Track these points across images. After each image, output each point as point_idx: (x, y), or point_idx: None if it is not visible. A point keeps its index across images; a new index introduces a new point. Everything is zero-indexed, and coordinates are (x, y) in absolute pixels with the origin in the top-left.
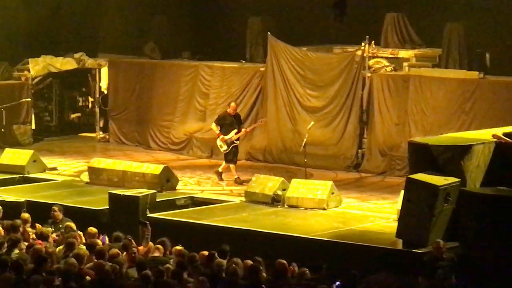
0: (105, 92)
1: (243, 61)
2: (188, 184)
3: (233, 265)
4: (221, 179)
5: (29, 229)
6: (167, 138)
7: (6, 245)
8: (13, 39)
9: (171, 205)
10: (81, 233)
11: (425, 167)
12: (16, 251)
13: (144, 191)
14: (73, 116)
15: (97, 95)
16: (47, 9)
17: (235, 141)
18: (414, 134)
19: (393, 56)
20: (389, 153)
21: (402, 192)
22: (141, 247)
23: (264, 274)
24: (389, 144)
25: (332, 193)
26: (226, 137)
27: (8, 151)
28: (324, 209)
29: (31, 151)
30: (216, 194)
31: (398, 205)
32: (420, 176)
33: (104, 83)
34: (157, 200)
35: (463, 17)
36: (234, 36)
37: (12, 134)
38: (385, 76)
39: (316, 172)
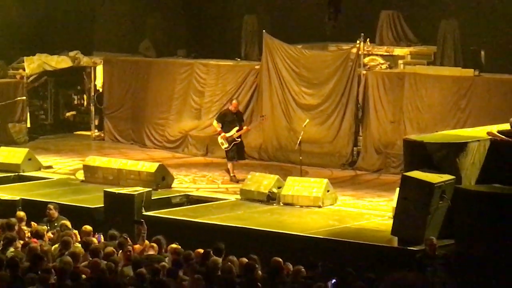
0: (100, 90)
1: (238, 59)
2: (184, 182)
3: (229, 263)
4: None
5: (25, 228)
6: (162, 136)
7: (1, 243)
8: (8, 37)
9: (166, 203)
10: (76, 231)
11: (420, 165)
12: (12, 249)
13: (140, 189)
14: (68, 114)
15: (92, 93)
16: (42, 7)
17: (236, 139)
18: (409, 131)
19: (388, 53)
20: (384, 151)
21: (398, 189)
22: (137, 246)
23: (260, 272)
24: (384, 142)
25: (328, 191)
26: (227, 134)
27: (3, 149)
28: (319, 206)
29: (26, 150)
30: (211, 192)
31: (394, 203)
32: (415, 174)
33: (99, 81)
34: (152, 198)
35: (458, 14)
36: (229, 34)
37: (7, 133)
38: (380, 74)
39: (311, 169)
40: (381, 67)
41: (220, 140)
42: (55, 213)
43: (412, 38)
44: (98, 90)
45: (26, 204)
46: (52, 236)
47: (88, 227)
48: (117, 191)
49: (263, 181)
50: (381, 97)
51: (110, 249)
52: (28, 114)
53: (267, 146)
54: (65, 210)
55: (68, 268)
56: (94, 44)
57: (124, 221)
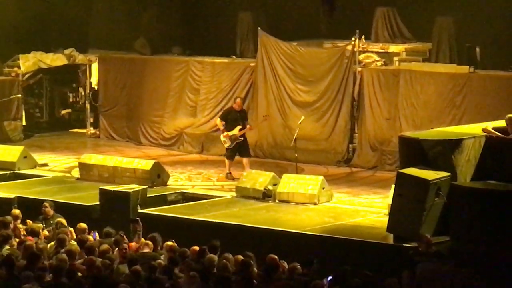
0: (96, 88)
1: (234, 56)
2: (179, 180)
3: (224, 260)
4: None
5: (20, 225)
6: (157, 134)
7: None
8: (3, 35)
9: (162, 200)
10: (72, 229)
11: (416, 162)
12: (7, 247)
13: (135, 187)
14: (63, 112)
15: (88, 91)
16: (38, 5)
17: (239, 138)
18: (404, 128)
19: (383, 50)
20: (380, 148)
21: (393, 186)
22: (133, 243)
23: (255, 269)
24: (380, 139)
25: (323, 188)
26: (230, 133)
27: None
28: (315, 204)
29: (22, 147)
30: (207, 190)
31: (389, 200)
32: (411, 171)
33: (94, 79)
34: (148, 195)
35: (453, 11)
36: (224, 31)
37: (3, 130)
38: (376, 71)
39: (307, 167)
40: (376, 64)
41: (222, 138)
42: (50, 211)
43: (407, 35)
44: (94, 88)
45: (22, 202)
46: (47, 234)
47: (82, 225)
48: (112, 189)
49: (258, 178)
50: (377, 94)
51: (105, 246)
52: (24, 112)
53: (262, 143)
54: (60, 208)
55: (64, 266)
56: (89, 41)
57: (119, 219)
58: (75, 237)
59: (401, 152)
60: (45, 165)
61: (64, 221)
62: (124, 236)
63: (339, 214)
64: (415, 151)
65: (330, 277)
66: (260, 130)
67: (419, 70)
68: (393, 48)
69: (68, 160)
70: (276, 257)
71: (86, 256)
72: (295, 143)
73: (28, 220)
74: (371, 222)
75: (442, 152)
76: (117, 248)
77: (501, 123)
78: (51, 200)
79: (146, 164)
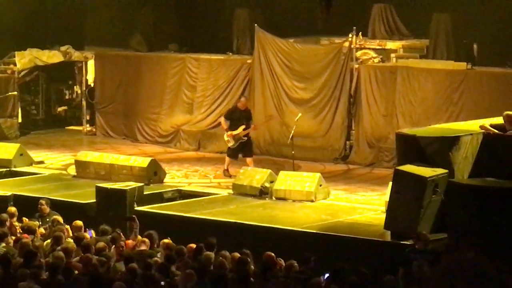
0: (92, 85)
1: (230, 53)
2: (176, 177)
3: (221, 258)
4: (229, 175)
5: (16, 223)
6: (154, 131)
7: None
8: None
9: (158, 198)
10: (68, 226)
11: (413, 159)
12: (3, 245)
13: (132, 184)
14: (59, 109)
15: (84, 88)
16: (34, 2)
17: (242, 137)
18: (402, 125)
19: (380, 47)
20: (377, 145)
21: (390, 183)
22: (129, 241)
23: (252, 267)
24: (377, 136)
25: (320, 185)
26: (234, 132)
27: None
28: (312, 201)
29: (18, 145)
30: (203, 187)
31: (386, 197)
32: (408, 168)
33: (90, 76)
34: (144, 193)
35: (450, 7)
36: (221, 28)
37: None
38: (373, 68)
39: (304, 164)
40: (373, 60)
41: (226, 138)
42: (46, 209)
43: (405, 31)
44: (90, 85)
45: (18, 200)
46: (44, 231)
47: (78, 222)
48: (109, 186)
49: (255, 176)
50: (374, 91)
51: (101, 244)
52: (20, 109)
53: (259, 140)
54: (57, 205)
55: (60, 264)
56: (85, 38)
57: (116, 216)
58: (71, 234)
59: (398, 149)
60: (41, 162)
61: (60, 219)
62: (121, 234)
63: (336, 211)
64: (412, 148)
65: (327, 275)
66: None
67: (416, 66)
68: (390, 44)
69: (64, 158)
70: (273, 254)
71: (82, 254)
72: (292, 140)
73: (24, 218)
74: (368, 219)
75: (440, 149)
76: (114, 246)
77: (499, 120)
78: (47, 198)
79: (142, 162)
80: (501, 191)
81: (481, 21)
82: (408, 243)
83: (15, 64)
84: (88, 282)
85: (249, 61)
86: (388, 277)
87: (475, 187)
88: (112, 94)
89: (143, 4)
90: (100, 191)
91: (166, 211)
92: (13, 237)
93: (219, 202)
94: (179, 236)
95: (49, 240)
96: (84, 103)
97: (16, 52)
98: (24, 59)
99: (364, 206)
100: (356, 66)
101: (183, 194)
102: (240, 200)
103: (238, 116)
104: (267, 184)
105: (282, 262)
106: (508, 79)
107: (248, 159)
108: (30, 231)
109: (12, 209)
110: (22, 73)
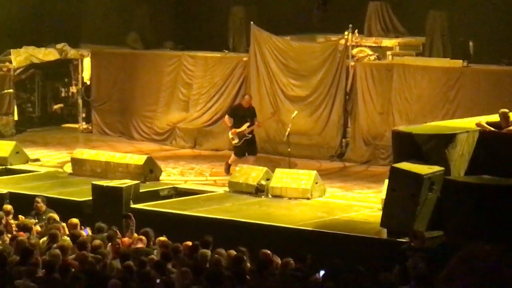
0: (88, 83)
1: (226, 51)
2: (172, 175)
3: (217, 255)
4: (228, 172)
5: (12, 221)
6: (150, 129)
7: None
8: None
9: (154, 195)
10: (64, 224)
11: (409, 156)
12: None
13: (128, 182)
14: (55, 107)
15: (80, 86)
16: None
17: (246, 135)
18: (398, 123)
19: (376, 45)
20: (373, 142)
21: (387, 181)
22: (126, 239)
23: (248, 264)
24: (373, 133)
25: (316, 183)
26: (238, 130)
27: None
28: (308, 198)
29: (14, 142)
30: (199, 185)
31: (383, 194)
32: (404, 165)
33: (86, 74)
34: (140, 191)
35: (446, 5)
36: (216, 25)
37: None
38: (369, 65)
39: (300, 161)
40: (369, 58)
41: (230, 135)
42: (43, 206)
43: (401, 29)
44: (86, 83)
45: (14, 197)
46: (40, 229)
47: (74, 220)
48: (105, 184)
49: (251, 173)
50: (370, 89)
51: (97, 242)
52: (15, 107)
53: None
54: (53, 203)
55: (57, 261)
56: (81, 36)
57: (112, 214)
58: (67, 232)
59: (395, 146)
60: (37, 160)
61: (56, 217)
62: (118, 232)
63: (332, 209)
64: (408, 146)
65: (322, 272)
66: None
67: (412, 64)
68: (386, 42)
69: (60, 155)
70: (269, 252)
71: (78, 252)
72: (288, 138)
73: (20, 216)
74: (365, 217)
75: (436, 147)
76: (110, 244)
77: (495, 118)
78: (43, 196)
79: (138, 159)
80: (497, 188)
81: (477, 19)
82: (404, 240)
83: (10, 62)
84: (84, 279)
85: (245, 58)
86: (384, 275)
87: (471, 184)
88: (108, 92)
89: (139, 2)
90: (96, 189)
91: (162, 208)
92: (9, 235)
93: (215, 199)
94: (175, 233)
95: (45, 238)
96: (80, 101)
97: (11, 50)
98: (20, 57)
99: (360, 204)
100: (352, 63)
101: (179, 192)
102: (236, 198)
103: (242, 114)
104: (263, 182)
105: (278, 259)
106: (504, 77)
107: (252, 158)
108: (26, 228)
109: (8, 207)
110: (18, 71)
